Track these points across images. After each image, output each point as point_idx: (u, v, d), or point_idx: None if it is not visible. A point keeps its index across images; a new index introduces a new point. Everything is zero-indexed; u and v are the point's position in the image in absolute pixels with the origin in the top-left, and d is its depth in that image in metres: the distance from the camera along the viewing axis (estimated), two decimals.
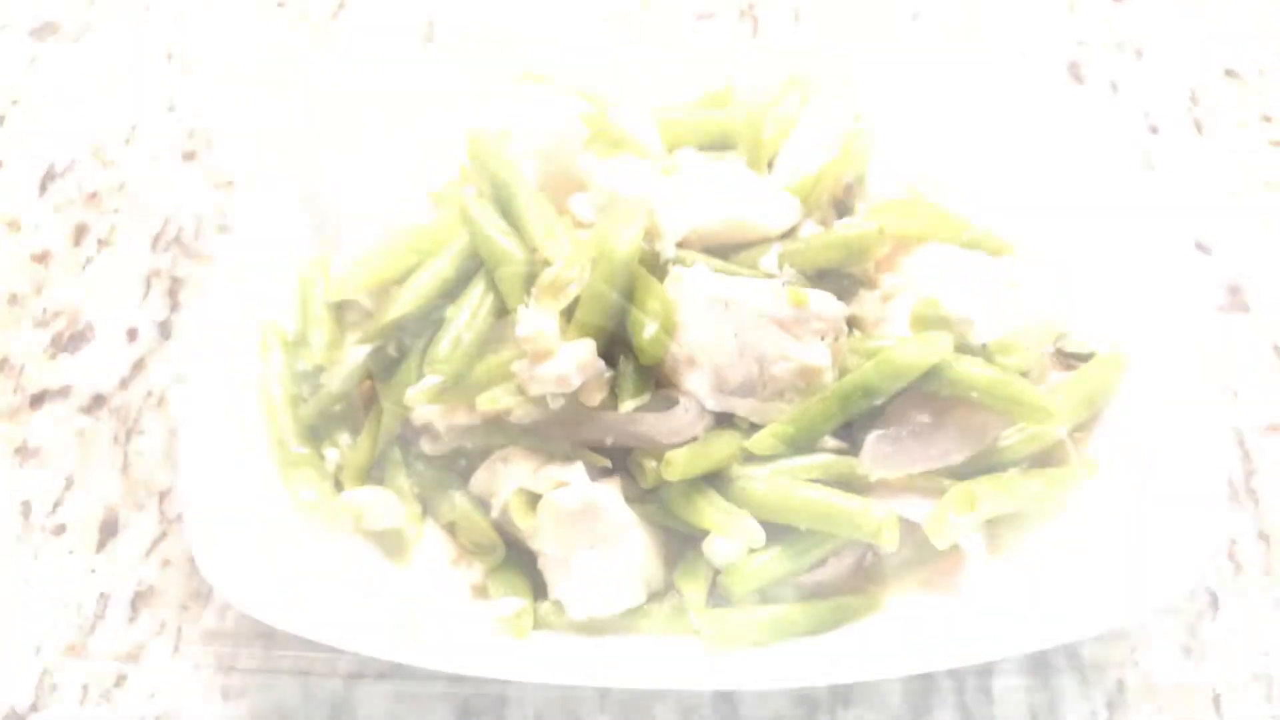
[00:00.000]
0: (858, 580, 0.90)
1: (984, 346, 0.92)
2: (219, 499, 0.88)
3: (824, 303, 0.89)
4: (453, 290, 0.93)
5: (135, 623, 0.98)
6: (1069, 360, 1.02)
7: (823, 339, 0.89)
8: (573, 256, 0.88)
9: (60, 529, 1.04)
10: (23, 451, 1.09)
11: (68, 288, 1.21)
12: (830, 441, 0.89)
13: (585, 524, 0.85)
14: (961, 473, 0.89)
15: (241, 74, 1.37)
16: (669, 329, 0.85)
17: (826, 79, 1.09)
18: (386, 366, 0.94)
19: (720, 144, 1.04)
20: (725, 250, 0.96)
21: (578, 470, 0.86)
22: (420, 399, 0.89)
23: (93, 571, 1.01)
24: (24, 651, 0.96)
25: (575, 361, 0.83)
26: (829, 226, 0.98)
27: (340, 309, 1.00)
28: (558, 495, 0.85)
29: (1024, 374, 0.95)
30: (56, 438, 1.09)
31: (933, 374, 0.87)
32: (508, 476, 0.88)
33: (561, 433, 0.87)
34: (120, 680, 0.95)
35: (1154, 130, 1.28)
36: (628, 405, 0.83)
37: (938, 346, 0.86)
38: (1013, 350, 0.90)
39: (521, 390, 0.85)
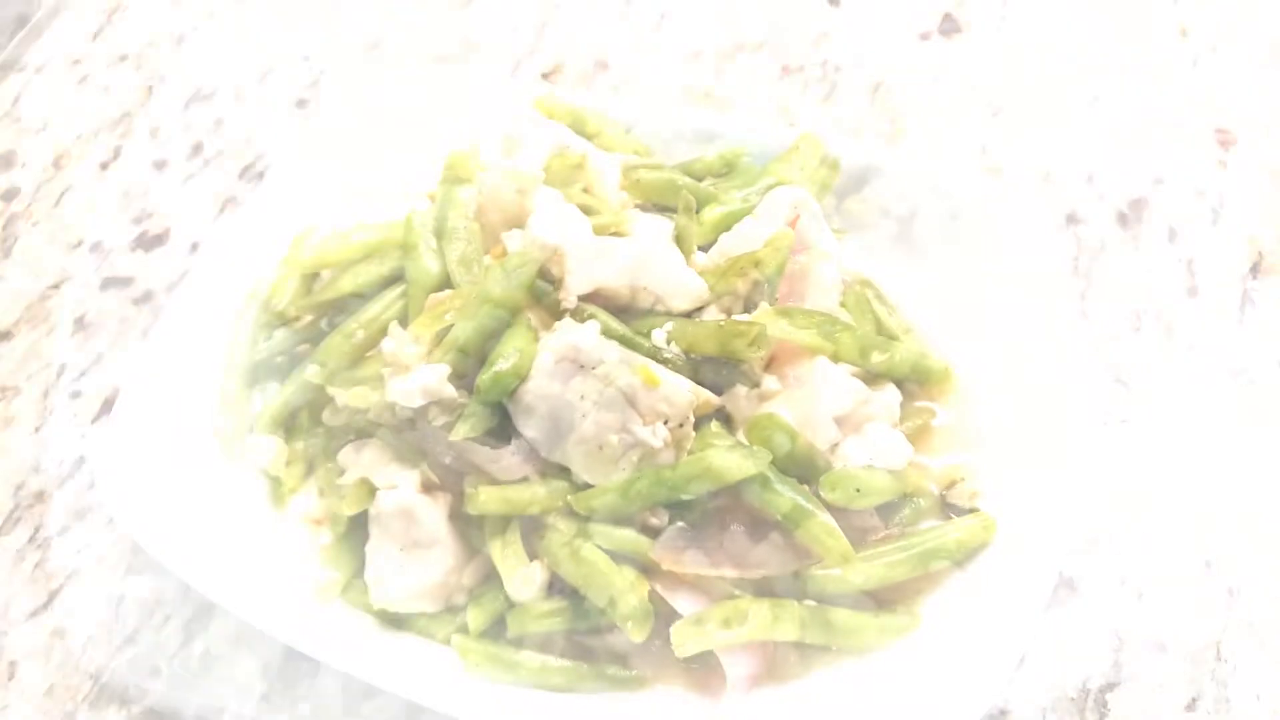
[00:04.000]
0: (639, 654, 0.94)
1: (825, 474, 0.92)
2: (154, 409, 1.04)
3: (674, 389, 0.92)
4: (383, 287, 1.04)
5: None
6: (950, 510, 0.99)
7: (665, 422, 0.92)
8: (463, 290, 0.96)
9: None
10: (78, 324, 1.32)
11: (167, 195, 1.43)
12: (658, 519, 0.93)
13: (403, 526, 0.94)
14: (772, 590, 0.90)
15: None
16: (518, 373, 0.91)
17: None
18: (317, 337, 1.07)
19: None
20: (629, 314, 1.00)
21: (410, 477, 0.95)
22: (314, 378, 1.01)
23: None
24: None
25: (421, 383, 0.91)
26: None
27: (312, 278, 1.13)
28: (383, 495, 0.94)
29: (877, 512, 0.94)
30: (109, 320, 1.31)
31: (748, 487, 0.88)
32: (358, 462, 0.98)
33: (411, 441, 0.96)
34: None
35: None
36: (457, 432, 0.91)
37: (751, 463, 0.87)
38: (841, 485, 0.89)
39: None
